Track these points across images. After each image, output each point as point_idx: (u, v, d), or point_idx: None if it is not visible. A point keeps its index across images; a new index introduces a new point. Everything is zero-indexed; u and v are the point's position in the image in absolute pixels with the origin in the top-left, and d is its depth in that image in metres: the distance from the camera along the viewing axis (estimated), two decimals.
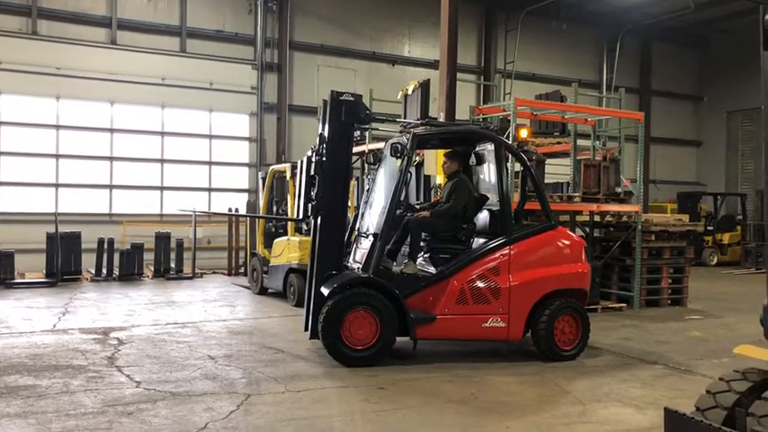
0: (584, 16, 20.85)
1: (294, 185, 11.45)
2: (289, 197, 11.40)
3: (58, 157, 15.36)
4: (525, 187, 8.13)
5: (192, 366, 6.59)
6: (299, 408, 5.35)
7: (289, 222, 11.27)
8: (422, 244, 7.42)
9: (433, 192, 10.75)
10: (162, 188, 16.45)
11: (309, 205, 7.12)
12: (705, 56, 24.62)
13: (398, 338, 6.86)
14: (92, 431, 4.68)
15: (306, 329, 7.21)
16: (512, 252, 7.11)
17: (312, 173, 7.07)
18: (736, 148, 24.01)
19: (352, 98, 7.09)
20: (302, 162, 7.44)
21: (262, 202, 12.60)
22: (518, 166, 8.65)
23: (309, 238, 7.76)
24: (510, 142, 8.91)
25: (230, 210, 15.71)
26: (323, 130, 7.20)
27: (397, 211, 7.27)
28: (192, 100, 16.52)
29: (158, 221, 15.65)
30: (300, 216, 7.32)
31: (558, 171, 14.06)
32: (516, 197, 8.50)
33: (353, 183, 12.50)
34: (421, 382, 6.26)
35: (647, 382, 6.46)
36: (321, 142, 7.15)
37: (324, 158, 7.03)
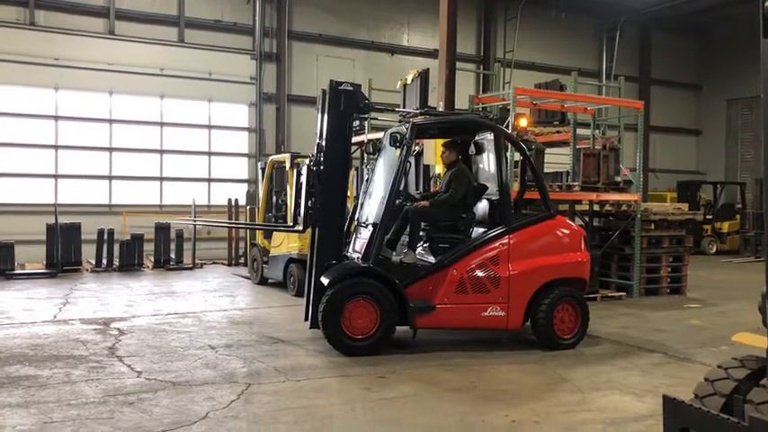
0: (583, 5, 20.78)
1: (293, 176, 11.47)
2: (288, 187, 11.40)
3: (57, 147, 15.34)
4: (524, 176, 8.13)
5: (193, 356, 6.62)
6: (299, 397, 5.38)
7: (288, 213, 11.27)
8: (421, 233, 7.43)
9: (432, 181, 10.75)
10: (161, 179, 16.44)
11: (308, 215, 7.09)
12: (705, 44, 24.56)
13: (398, 328, 6.88)
14: (93, 420, 4.70)
15: (306, 319, 7.24)
16: (511, 241, 7.11)
17: (311, 183, 7.02)
18: (736, 136, 23.99)
19: (351, 88, 7.07)
20: (300, 171, 7.41)
21: (261, 193, 12.60)
22: (517, 156, 8.65)
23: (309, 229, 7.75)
24: (509, 131, 8.90)
25: (230, 201, 15.71)
26: (322, 122, 7.17)
27: (397, 201, 7.28)
28: (191, 90, 16.49)
29: (158, 212, 15.64)
30: (301, 227, 7.30)
31: (557, 160, 14.06)
32: (516, 186, 8.50)
33: (353, 173, 12.48)
34: (421, 370, 6.28)
35: (646, 370, 6.49)
36: (319, 151, 7.12)
37: (321, 168, 7.00)
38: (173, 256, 14.05)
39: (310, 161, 7.21)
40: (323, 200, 7.01)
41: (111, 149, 15.87)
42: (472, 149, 8.05)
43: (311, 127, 15.19)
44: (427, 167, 10.94)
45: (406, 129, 7.19)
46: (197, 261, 14.39)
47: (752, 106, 22.96)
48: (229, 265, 14.95)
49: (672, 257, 11.69)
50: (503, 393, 5.63)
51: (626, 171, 11.68)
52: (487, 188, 7.77)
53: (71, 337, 7.38)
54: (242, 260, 14.84)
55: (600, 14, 21.73)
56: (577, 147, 12.09)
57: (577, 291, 7.42)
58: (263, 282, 11.93)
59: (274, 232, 11.49)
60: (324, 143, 7.07)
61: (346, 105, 7.03)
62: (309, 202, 7.04)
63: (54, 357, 6.48)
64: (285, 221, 11.57)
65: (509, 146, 8.81)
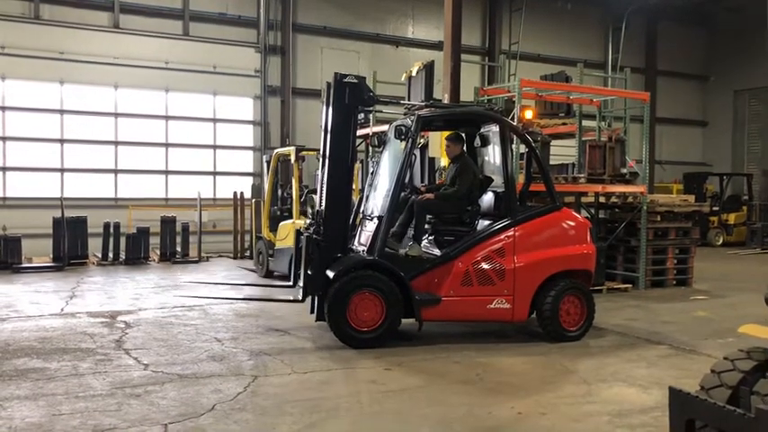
0: None
1: (299, 168, 11.50)
2: (293, 180, 11.41)
3: (62, 141, 15.39)
4: (530, 169, 8.11)
5: (199, 349, 6.64)
6: (305, 389, 5.40)
7: (293, 206, 11.29)
8: (426, 226, 7.43)
9: (437, 174, 10.75)
10: (167, 172, 16.48)
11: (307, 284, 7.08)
12: (712, 34, 24.38)
13: (404, 320, 6.88)
14: (101, 413, 4.72)
15: (312, 312, 7.25)
16: (516, 234, 7.11)
17: (310, 251, 6.99)
18: (743, 127, 23.86)
19: (355, 80, 7.05)
20: (300, 234, 7.39)
21: (266, 186, 12.62)
22: (523, 148, 8.63)
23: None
24: (515, 123, 8.87)
25: (235, 194, 15.72)
26: (327, 115, 7.15)
27: (402, 194, 7.27)
28: (196, 84, 16.50)
29: (164, 205, 15.69)
30: (301, 297, 7.24)
31: (563, 152, 14.01)
32: (521, 179, 8.48)
33: (358, 166, 12.48)
34: (427, 362, 6.29)
35: (652, 361, 6.48)
36: (318, 217, 7.12)
37: (320, 237, 6.98)
38: (179, 249, 14.09)
39: (310, 226, 7.20)
40: (329, 193, 7.01)
41: (116, 143, 15.91)
42: (477, 142, 8.03)
43: (316, 120, 15.23)
44: (432, 160, 10.95)
45: (412, 121, 7.17)
46: (203, 254, 14.43)
47: (759, 97, 22.85)
48: (235, 258, 14.97)
49: (678, 249, 11.66)
50: (509, 385, 5.63)
51: (632, 163, 11.64)
52: (493, 180, 7.76)
53: (78, 330, 7.41)
54: (248, 253, 14.87)
55: (606, 5, 21.59)
56: (583, 138, 12.05)
57: (583, 283, 7.41)
58: (268, 274, 11.94)
59: (280, 224, 11.50)
60: (323, 211, 7.03)
61: (351, 98, 7.01)
62: (309, 270, 7.01)
63: (61, 350, 6.51)
64: (291, 215, 11.58)
65: (514, 138, 8.78)
